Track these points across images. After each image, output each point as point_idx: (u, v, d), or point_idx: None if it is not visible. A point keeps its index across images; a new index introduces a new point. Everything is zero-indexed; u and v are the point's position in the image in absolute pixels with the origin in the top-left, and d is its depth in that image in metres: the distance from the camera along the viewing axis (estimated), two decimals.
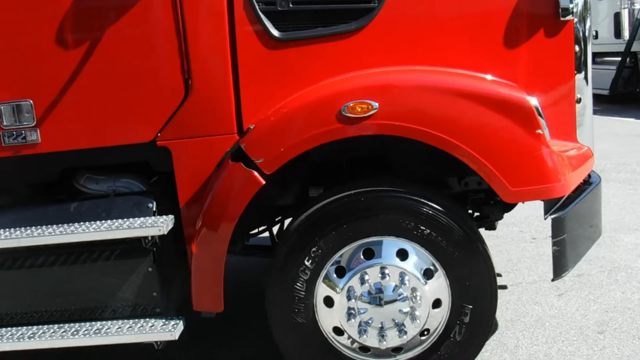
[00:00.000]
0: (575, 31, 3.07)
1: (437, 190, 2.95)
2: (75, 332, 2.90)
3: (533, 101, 2.76)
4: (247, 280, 4.02)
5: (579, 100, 3.19)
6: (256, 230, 3.82)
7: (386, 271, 2.83)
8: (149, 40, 2.85)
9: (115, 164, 3.16)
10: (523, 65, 3.08)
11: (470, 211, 3.45)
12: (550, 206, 2.89)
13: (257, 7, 2.81)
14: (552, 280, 2.92)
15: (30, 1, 2.82)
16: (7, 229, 2.94)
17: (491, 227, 3.66)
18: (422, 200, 2.81)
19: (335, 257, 2.86)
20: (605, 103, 11.29)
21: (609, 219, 5.44)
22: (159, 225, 2.82)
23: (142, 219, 2.89)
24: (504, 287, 4.14)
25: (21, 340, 2.88)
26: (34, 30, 2.83)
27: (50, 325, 2.96)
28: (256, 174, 2.76)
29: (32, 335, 2.91)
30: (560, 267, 2.88)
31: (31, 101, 2.87)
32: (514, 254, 4.86)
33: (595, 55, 9.04)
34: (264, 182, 2.76)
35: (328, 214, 2.84)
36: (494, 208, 3.34)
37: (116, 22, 2.80)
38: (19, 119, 2.88)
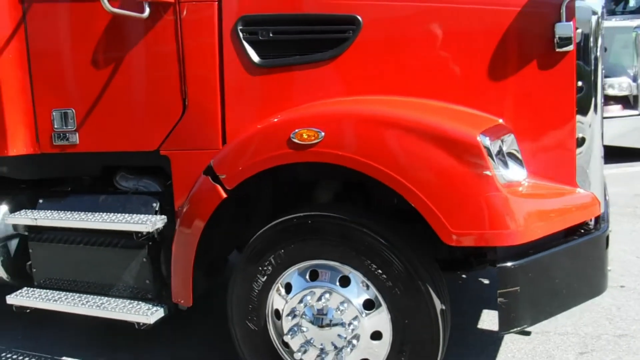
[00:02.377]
0: (578, 63, 2.79)
1: (389, 220, 2.91)
2: (85, 303, 3.50)
3: (484, 140, 2.59)
4: None
5: (581, 141, 2.87)
6: None
7: (327, 295, 2.90)
8: (157, 64, 3.28)
9: (144, 167, 3.69)
10: (510, 100, 2.90)
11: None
12: (509, 254, 2.68)
13: (241, 35, 3.09)
14: (498, 334, 2.69)
15: (71, 34, 3.46)
16: (50, 211, 3.64)
17: None
18: (363, 229, 2.81)
19: (286, 273, 3.01)
20: None
21: None
22: (147, 223, 3.27)
23: (138, 216, 3.37)
24: (526, 333, 3.79)
25: (47, 301, 3.57)
26: (77, 51, 3.46)
27: (73, 294, 3.60)
28: (219, 188, 3.04)
29: (57, 299, 3.58)
30: (508, 321, 2.64)
31: (74, 110, 3.51)
32: None
33: None
34: (225, 196, 3.03)
35: (280, 233, 2.99)
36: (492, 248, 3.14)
37: (132, 50, 3.30)
38: (65, 124, 3.55)
